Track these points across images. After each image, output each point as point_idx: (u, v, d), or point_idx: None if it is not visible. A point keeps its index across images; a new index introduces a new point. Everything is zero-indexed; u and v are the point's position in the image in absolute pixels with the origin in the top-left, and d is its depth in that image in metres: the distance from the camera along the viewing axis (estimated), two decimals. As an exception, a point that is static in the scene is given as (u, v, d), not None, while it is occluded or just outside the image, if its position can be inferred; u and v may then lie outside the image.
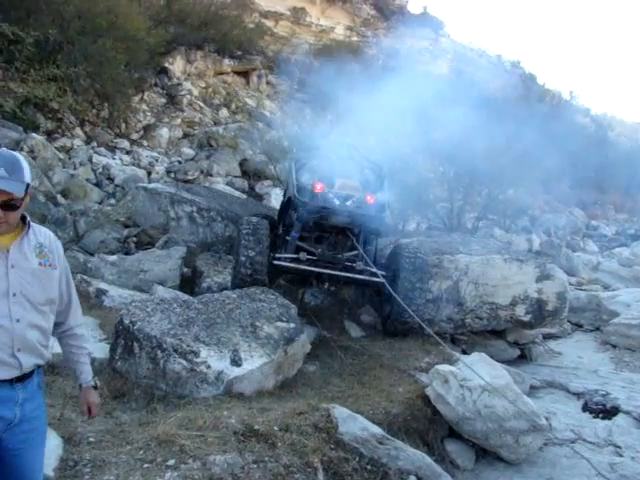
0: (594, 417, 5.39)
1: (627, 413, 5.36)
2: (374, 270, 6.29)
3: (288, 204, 7.20)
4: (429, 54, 30.29)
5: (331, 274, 6.27)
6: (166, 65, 19.41)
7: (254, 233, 6.26)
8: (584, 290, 10.46)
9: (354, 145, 7.52)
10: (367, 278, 6.32)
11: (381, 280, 6.17)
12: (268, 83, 23.96)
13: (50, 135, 13.34)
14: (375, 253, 6.80)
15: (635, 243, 17.67)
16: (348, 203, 6.21)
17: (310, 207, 6.17)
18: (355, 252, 6.49)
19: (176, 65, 19.93)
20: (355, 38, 30.61)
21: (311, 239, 6.54)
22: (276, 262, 6.22)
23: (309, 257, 6.26)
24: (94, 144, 14.30)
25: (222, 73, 22.33)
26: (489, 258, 7.00)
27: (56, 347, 4.69)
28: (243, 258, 6.13)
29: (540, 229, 17.77)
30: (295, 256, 6.26)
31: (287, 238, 6.56)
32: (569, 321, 8.48)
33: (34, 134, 12.08)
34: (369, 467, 3.86)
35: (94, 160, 13.32)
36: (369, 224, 6.40)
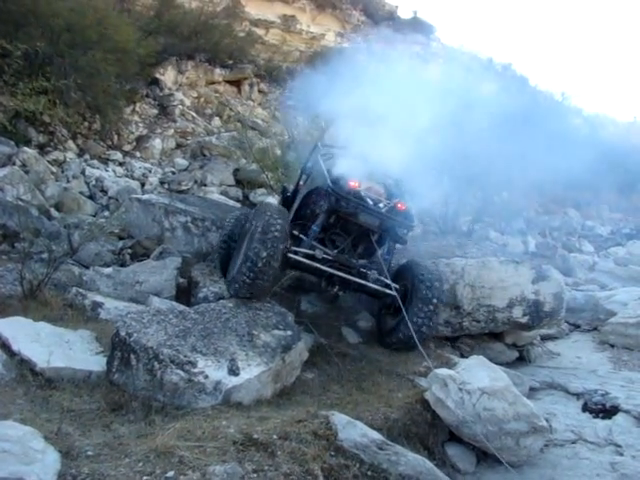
0: (594, 417, 5.38)
1: (627, 412, 5.35)
2: (388, 282, 6.18)
3: (295, 196, 7.31)
4: (420, 59, 30.36)
5: (345, 278, 6.13)
6: (157, 76, 19.44)
7: (275, 224, 5.72)
8: (581, 290, 10.46)
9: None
10: (380, 289, 6.19)
11: (393, 293, 6.10)
12: (260, 91, 23.99)
13: (42, 149, 13.32)
14: (390, 264, 6.65)
15: (630, 242, 17.68)
16: (381, 205, 6.10)
17: (346, 200, 5.95)
18: (369, 259, 6.46)
19: (167, 75, 19.96)
20: (346, 44, 30.66)
21: (326, 238, 6.41)
22: (291, 255, 5.93)
23: (325, 256, 6.10)
24: (87, 157, 14.29)
25: (214, 82, 22.36)
26: (485, 261, 7.01)
27: (53, 361, 4.72)
28: (264, 253, 5.55)
29: (535, 231, 17.78)
30: (311, 252, 6.08)
31: (295, 233, 6.38)
32: (567, 322, 8.47)
33: (26, 148, 12.07)
34: (370, 473, 3.83)
35: (87, 173, 13.30)
36: (398, 231, 6.27)
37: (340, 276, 6.12)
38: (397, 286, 6.26)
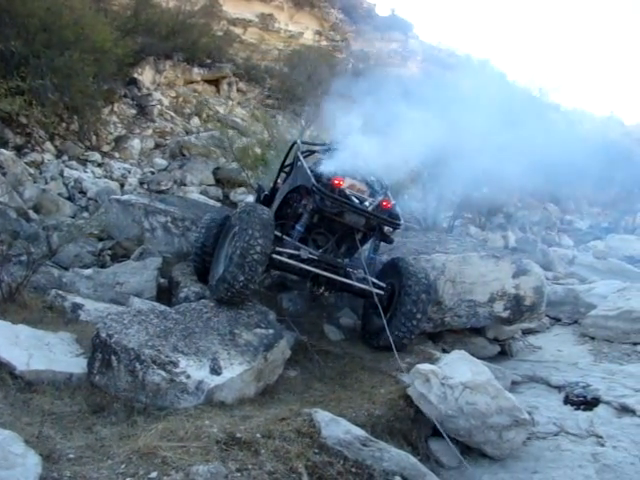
0: (575, 409, 5.41)
1: (607, 403, 5.39)
2: (375, 281, 6.13)
3: (273, 195, 7.22)
4: (399, 56, 30.46)
5: (331, 278, 6.04)
6: (135, 76, 19.32)
7: (260, 223, 5.53)
8: (561, 284, 10.55)
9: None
10: (367, 288, 6.06)
11: (380, 292, 6.10)
12: (238, 90, 23.93)
13: (19, 150, 13.19)
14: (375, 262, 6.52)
15: (609, 236, 17.88)
16: (367, 204, 5.93)
17: (331, 200, 5.77)
18: (353, 258, 6.42)
19: (145, 75, 19.85)
20: (324, 43, 30.70)
21: (309, 238, 6.27)
22: (275, 257, 5.75)
23: (310, 256, 5.98)
24: (65, 158, 14.17)
25: (192, 82, 22.27)
26: (465, 256, 7.03)
27: (33, 364, 4.67)
28: (242, 277, 5.39)
29: (515, 226, 17.92)
30: (296, 252, 5.94)
31: (277, 234, 6.09)
32: (547, 315, 8.53)
33: (3, 150, 11.94)
34: (354, 470, 3.83)
35: (65, 174, 13.19)
36: (384, 230, 6.19)
37: (326, 276, 6.03)
38: (384, 285, 6.22)
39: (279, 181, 7.65)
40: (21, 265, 7.18)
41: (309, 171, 6.11)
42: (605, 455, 4.49)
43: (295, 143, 7.41)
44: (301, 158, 6.63)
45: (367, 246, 6.57)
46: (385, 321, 5.80)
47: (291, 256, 5.89)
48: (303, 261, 5.93)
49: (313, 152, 7.28)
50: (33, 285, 7.10)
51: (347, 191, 5.92)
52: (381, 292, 6.14)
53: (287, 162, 7.51)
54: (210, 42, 22.89)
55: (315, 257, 6.01)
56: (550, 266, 12.67)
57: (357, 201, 5.88)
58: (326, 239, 6.33)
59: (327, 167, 6.14)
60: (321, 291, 6.32)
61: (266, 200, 7.56)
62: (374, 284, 6.08)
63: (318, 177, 6.00)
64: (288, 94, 23.53)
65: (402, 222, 6.15)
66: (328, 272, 6.03)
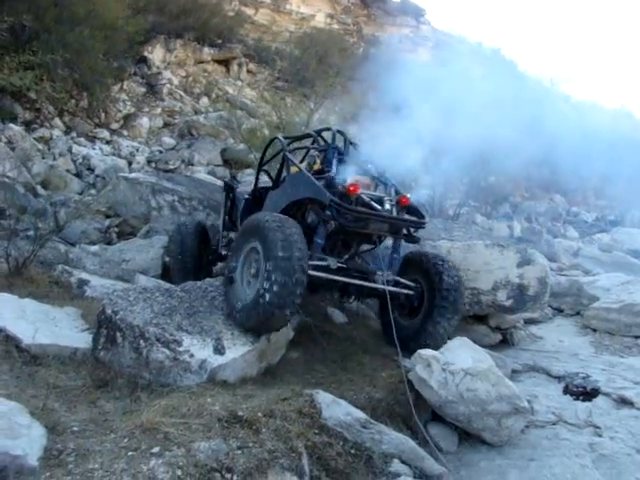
0: (575, 399, 5.44)
1: (607, 395, 5.43)
2: (404, 282, 5.77)
3: (261, 200, 6.57)
4: (410, 42, 30.27)
5: (364, 286, 5.56)
6: (145, 54, 19.29)
7: (297, 238, 4.88)
8: (565, 275, 10.55)
9: (342, 131, 6.69)
10: (398, 291, 5.70)
11: (411, 293, 5.77)
12: (248, 71, 23.84)
13: (28, 126, 13.23)
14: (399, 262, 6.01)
15: (615, 229, 17.82)
16: (387, 207, 5.43)
17: (353, 213, 5.21)
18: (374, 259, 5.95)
19: (155, 54, 19.80)
20: (336, 26, 30.51)
21: (326, 246, 5.68)
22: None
23: (339, 264, 5.48)
24: (73, 134, 14.20)
25: (202, 62, 22.20)
26: (471, 244, 7.04)
27: (39, 338, 4.72)
28: (293, 279, 4.70)
29: (521, 216, 17.89)
30: (324, 263, 5.39)
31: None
32: (550, 306, 8.54)
33: (12, 125, 11.98)
34: (353, 451, 3.89)
35: (74, 150, 13.23)
36: (409, 231, 5.70)
37: (357, 284, 5.58)
38: (412, 284, 5.84)
39: (259, 183, 7.14)
40: (28, 240, 7.24)
41: (318, 184, 5.46)
42: (602, 445, 4.53)
43: (275, 139, 7.00)
44: (298, 165, 6.06)
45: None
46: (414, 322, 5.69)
47: (318, 267, 5.34)
48: (332, 271, 5.45)
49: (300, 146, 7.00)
50: (40, 260, 7.16)
51: (364, 196, 5.43)
52: (411, 292, 5.81)
53: (276, 161, 7.12)
54: (221, 22, 22.79)
55: (344, 265, 5.57)
56: (555, 257, 12.66)
57: (377, 205, 5.42)
58: (344, 244, 5.90)
59: (332, 170, 5.74)
60: (351, 300, 6.07)
61: (248, 204, 6.93)
62: (402, 284, 5.77)
63: (329, 185, 5.44)
64: (298, 76, 23.43)
65: (427, 220, 5.77)
66: (358, 279, 5.57)
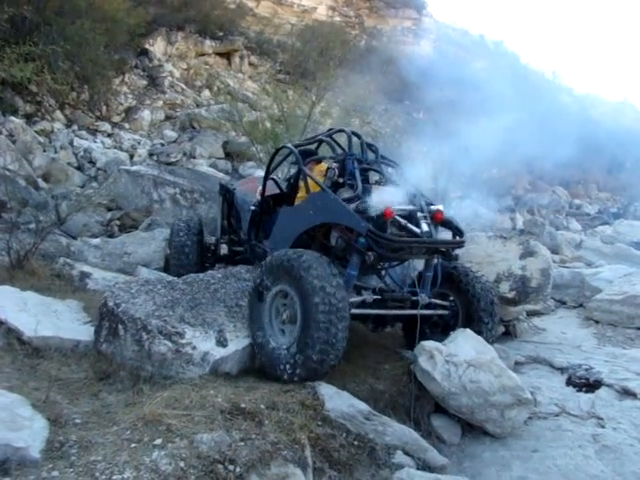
0: (577, 391, 5.44)
1: (609, 386, 5.42)
2: (439, 302, 5.40)
3: (263, 210, 6.18)
4: (412, 34, 30.19)
5: (404, 315, 5.19)
6: (147, 46, 19.24)
7: (331, 275, 4.44)
8: (567, 267, 10.54)
9: (357, 133, 6.00)
10: (435, 313, 5.37)
11: (446, 313, 5.44)
12: (250, 64, 23.81)
13: (29, 118, 13.20)
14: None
15: (617, 221, 17.81)
16: (425, 228, 4.86)
17: (394, 244, 4.68)
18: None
19: (157, 46, 19.76)
20: (338, 18, 30.41)
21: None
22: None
23: (375, 297, 5.02)
24: (75, 127, 14.18)
25: (203, 54, 22.15)
26: (473, 236, 7.03)
27: (40, 330, 4.72)
28: (335, 324, 4.24)
29: (524, 208, 17.87)
30: (360, 298, 4.96)
31: None
32: (553, 298, 8.53)
33: (13, 117, 11.96)
34: (356, 443, 3.89)
35: (75, 143, 13.22)
36: (451, 250, 5.19)
37: (401, 314, 5.20)
38: (448, 303, 5.49)
39: (266, 193, 6.40)
40: (30, 233, 7.23)
41: (348, 208, 4.85)
42: (605, 436, 4.52)
43: (283, 148, 6.33)
44: (320, 183, 5.32)
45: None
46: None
47: (353, 303, 4.82)
48: (367, 305, 4.99)
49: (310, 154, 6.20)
50: (41, 253, 7.15)
51: (398, 218, 4.84)
52: (446, 312, 5.48)
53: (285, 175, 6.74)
54: (223, 14, 22.74)
55: (380, 297, 5.07)
56: (557, 249, 12.65)
57: (414, 228, 4.88)
58: (373, 267, 5.21)
59: (362, 194, 5.05)
60: (385, 329, 5.53)
61: (255, 217, 6.40)
62: (437, 304, 5.39)
63: (360, 210, 4.81)
64: (299, 69, 23.39)
65: (465, 239, 5.25)
66: (393, 308, 5.13)
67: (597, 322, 7.73)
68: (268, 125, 13.01)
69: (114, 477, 2.97)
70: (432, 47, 31.13)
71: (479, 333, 5.13)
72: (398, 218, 4.80)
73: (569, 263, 11.55)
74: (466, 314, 5.40)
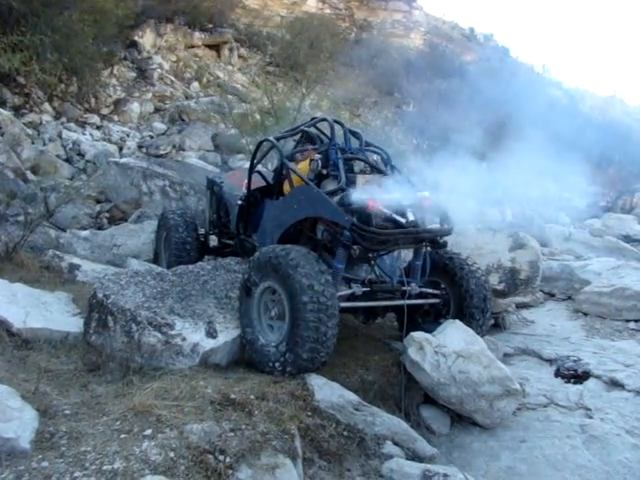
0: (566, 382, 5.48)
1: (598, 377, 5.47)
2: (430, 291, 5.36)
3: (255, 208, 6.07)
4: (402, 26, 30.16)
5: (395, 305, 5.13)
6: (135, 38, 19.12)
7: (319, 271, 4.41)
8: (556, 260, 10.57)
9: (340, 121, 5.94)
10: (429, 301, 5.37)
11: (437, 301, 5.40)
12: (240, 56, 23.71)
13: (17, 111, 13.11)
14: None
15: (606, 215, 17.90)
16: (411, 218, 4.75)
17: (379, 237, 4.63)
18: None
19: (146, 38, 19.63)
20: (328, 10, 30.32)
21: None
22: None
23: (364, 289, 4.97)
24: (63, 119, 14.09)
25: (193, 46, 22.04)
26: (462, 228, 7.04)
27: (30, 322, 4.70)
28: (324, 320, 4.24)
29: (513, 201, 17.90)
30: (349, 291, 4.90)
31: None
32: (542, 290, 8.56)
33: (1, 109, 11.86)
34: (346, 433, 3.91)
35: (64, 136, 13.14)
36: (439, 240, 5.14)
37: (392, 305, 5.16)
38: (439, 292, 5.44)
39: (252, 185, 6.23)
40: (18, 225, 7.20)
41: (332, 202, 4.78)
42: (593, 427, 4.56)
43: (265, 141, 6.18)
44: (304, 177, 5.24)
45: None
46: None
47: (342, 296, 4.80)
48: (357, 298, 4.97)
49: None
50: (30, 245, 7.12)
51: (384, 208, 4.71)
52: (437, 300, 5.45)
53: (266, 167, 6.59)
54: (212, 6, 22.60)
55: (368, 289, 5.02)
56: (546, 242, 12.68)
57: (400, 218, 4.75)
58: (361, 258, 5.10)
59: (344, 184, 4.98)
60: (376, 321, 5.54)
61: (242, 211, 6.27)
62: (428, 293, 5.36)
63: (344, 203, 4.75)
64: (289, 61, 23.34)
65: (453, 226, 5.18)
66: (383, 300, 5.10)
67: (585, 314, 7.77)
68: (258, 117, 12.98)
69: (104, 467, 2.97)
70: (422, 40, 31.14)
71: (470, 322, 5.14)
72: (383, 209, 4.70)
73: (558, 256, 11.59)
74: (458, 307, 5.37)
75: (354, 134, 5.84)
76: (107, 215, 9.08)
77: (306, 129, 5.98)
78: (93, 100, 15.60)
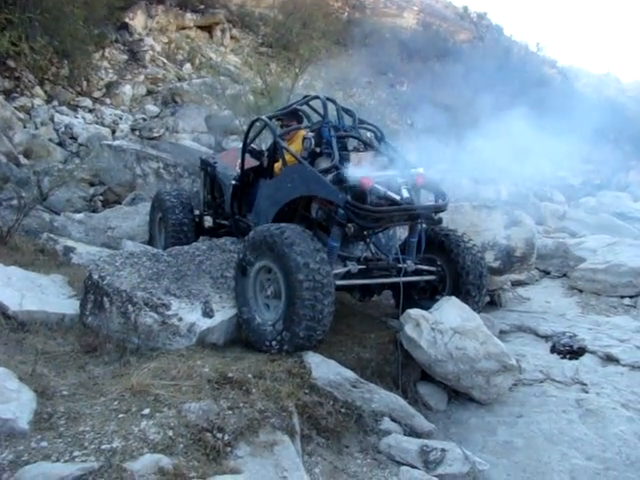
0: (562, 358, 5.52)
1: (593, 353, 5.51)
2: (426, 268, 5.36)
3: (250, 187, 6.03)
4: (395, 5, 29.92)
5: (391, 283, 5.16)
6: (127, 20, 18.86)
7: (314, 249, 4.43)
8: (551, 238, 10.59)
9: (333, 99, 5.82)
10: (422, 279, 5.36)
11: (433, 278, 5.40)
12: (232, 37, 23.48)
13: (8, 95, 12.96)
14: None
15: (601, 193, 17.91)
16: (405, 195, 4.74)
17: (374, 214, 4.63)
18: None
19: (137, 20, 19.39)
20: (320, -10, 30.02)
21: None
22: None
23: (360, 267, 4.99)
24: (55, 103, 13.95)
25: (185, 28, 21.79)
26: (458, 205, 7.04)
27: (26, 305, 4.70)
28: (320, 297, 4.27)
29: (508, 180, 17.89)
30: (345, 269, 4.91)
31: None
32: (537, 268, 8.59)
33: (-10, 93, 11.76)
34: (343, 410, 3.93)
35: (56, 119, 13.02)
36: (434, 216, 5.13)
37: (388, 283, 5.18)
38: (435, 269, 5.43)
39: (245, 165, 6.20)
40: (12, 209, 7.17)
41: (326, 180, 4.77)
42: (588, 401, 4.60)
43: (258, 120, 6.18)
44: (297, 156, 5.25)
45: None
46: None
47: (338, 274, 4.84)
48: (353, 276, 4.98)
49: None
50: (24, 229, 7.10)
51: (378, 186, 4.68)
52: (433, 277, 5.45)
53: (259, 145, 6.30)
54: (203, -13, 22.36)
55: (364, 267, 5.04)
56: (541, 220, 12.70)
57: (395, 195, 4.73)
58: (357, 236, 5.04)
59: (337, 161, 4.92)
60: (373, 298, 5.56)
61: (236, 191, 6.27)
62: (424, 270, 5.37)
63: (338, 180, 4.75)
64: (282, 42, 23.14)
65: (447, 202, 5.13)
66: (379, 277, 5.13)
67: (581, 291, 7.81)
68: (251, 98, 12.88)
69: (103, 446, 2.99)
70: (416, 19, 30.90)
71: (466, 299, 5.15)
72: (377, 186, 4.68)
73: (553, 234, 11.61)
74: (454, 284, 5.38)
75: (347, 112, 5.82)
76: (101, 198, 9.05)
77: (298, 107, 5.98)
78: (85, 83, 15.44)
